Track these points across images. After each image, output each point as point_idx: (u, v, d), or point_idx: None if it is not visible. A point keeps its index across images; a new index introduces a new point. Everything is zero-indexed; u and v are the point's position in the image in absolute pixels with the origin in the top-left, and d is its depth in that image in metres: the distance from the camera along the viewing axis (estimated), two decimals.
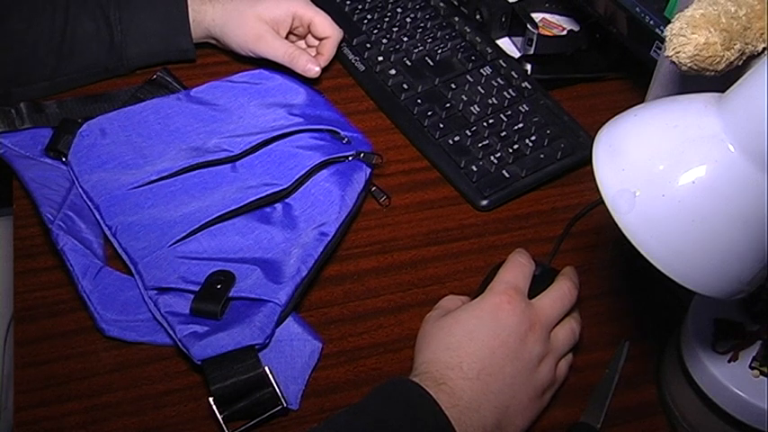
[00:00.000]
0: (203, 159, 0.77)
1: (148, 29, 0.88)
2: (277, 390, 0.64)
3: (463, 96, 0.87)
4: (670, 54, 0.53)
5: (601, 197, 0.49)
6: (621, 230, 0.48)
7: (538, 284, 0.65)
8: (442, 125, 0.84)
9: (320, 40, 0.91)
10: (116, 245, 0.73)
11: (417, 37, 0.93)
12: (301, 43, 0.94)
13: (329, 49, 0.90)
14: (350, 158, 0.77)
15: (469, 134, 0.83)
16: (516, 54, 0.95)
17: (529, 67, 0.91)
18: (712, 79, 0.53)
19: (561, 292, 0.64)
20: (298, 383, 0.66)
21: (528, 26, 0.93)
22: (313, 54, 0.91)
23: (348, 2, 0.99)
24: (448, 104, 0.86)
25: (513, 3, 0.96)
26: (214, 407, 0.62)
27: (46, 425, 0.64)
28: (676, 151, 0.47)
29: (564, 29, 0.97)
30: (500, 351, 0.60)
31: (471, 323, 0.61)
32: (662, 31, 0.76)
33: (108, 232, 0.73)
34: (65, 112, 0.83)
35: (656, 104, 0.51)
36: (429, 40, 0.93)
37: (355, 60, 0.92)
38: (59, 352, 0.68)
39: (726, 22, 0.52)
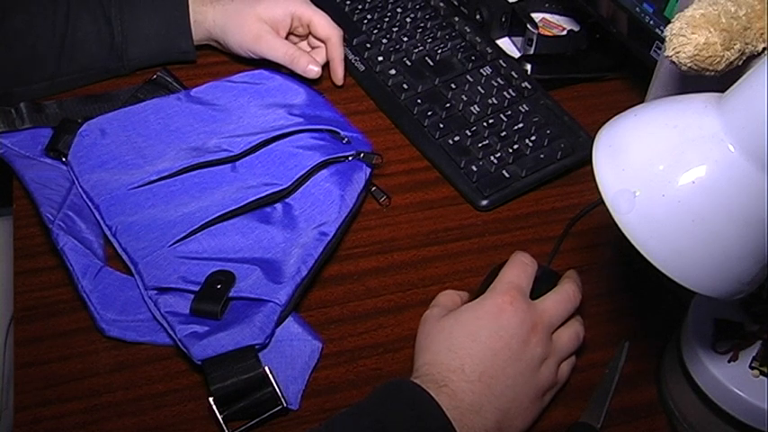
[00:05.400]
0: (203, 159, 0.77)
1: (149, 30, 0.88)
2: (277, 390, 0.64)
3: (463, 96, 0.87)
4: (670, 54, 0.53)
5: (601, 197, 0.49)
6: (621, 230, 0.48)
7: (538, 286, 0.65)
8: (442, 125, 0.84)
9: (320, 40, 0.91)
10: (116, 245, 0.73)
11: (417, 37, 0.93)
12: (303, 45, 0.94)
13: (337, 51, 0.90)
14: (350, 158, 0.77)
15: (469, 134, 0.83)
16: (516, 54, 0.95)
17: (529, 67, 0.91)
18: (712, 79, 0.53)
19: (566, 294, 0.64)
20: (298, 383, 0.66)
21: (528, 26, 0.93)
22: (316, 56, 0.91)
23: (348, 2, 0.99)
24: (448, 104, 0.86)
25: (513, 3, 0.96)
26: (214, 407, 0.63)
27: (46, 425, 0.64)
28: (676, 151, 0.47)
29: (564, 29, 0.97)
30: (502, 353, 0.60)
31: (473, 324, 0.61)
32: (662, 31, 0.76)
33: (108, 232, 0.73)
34: (65, 112, 0.83)
35: (656, 104, 0.51)
36: (429, 40, 0.93)
37: (355, 60, 0.92)
38: (59, 352, 0.68)
39: (726, 22, 0.52)
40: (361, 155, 0.78)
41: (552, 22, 0.99)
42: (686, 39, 0.51)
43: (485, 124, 0.84)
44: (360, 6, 0.98)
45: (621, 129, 0.51)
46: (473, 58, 0.91)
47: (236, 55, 0.91)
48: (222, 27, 0.89)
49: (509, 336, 0.60)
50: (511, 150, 0.82)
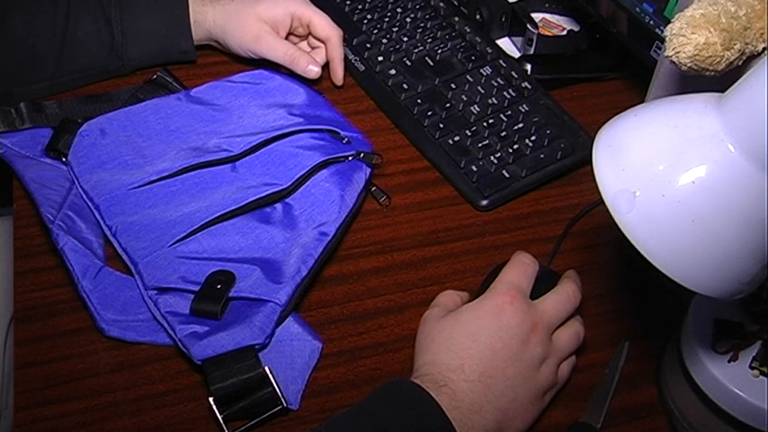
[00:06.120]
0: (203, 159, 0.77)
1: (149, 30, 0.88)
2: (277, 390, 0.64)
3: (463, 96, 0.87)
4: (670, 54, 0.53)
5: (601, 197, 0.49)
6: (621, 230, 0.48)
7: (538, 286, 0.65)
8: (442, 125, 0.84)
9: (320, 40, 0.91)
10: (116, 245, 0.73)
11: (417, 37, 0.93)
12: (303, 45, 0.94)
13: (337, 51, 0.90)
14: (350, 158, 0.77)
15: (469, 134, 0.83)
16: (516, 54, 0.95)
17: (529, 67, 0.91)
18: (712, 79, 0.53)
19: (566, 294, 0.64)
20: (298, 383, 0.66)
21: (528, 26, 0.93)
22: (316, 56, 0.91)
23: (348, 2, 0.99)
24: (448, 104, 0.86)
25: (513, 3, 0.96)
26: (214, 407, 0.63)
27: (46, 425, 0.64)
28: (676, 151, 0.47)
29: (564, 29, 0.97)
30: (502, 353, 0.60)
31: (473, 324, 0.61)
32: (662, 31, 0.76)
33: (108, 232, 0.73)
34: (65, 112, 0.83)
35: (656, 104, 0.51)
36: (429, 40, 0.93)
37: (355, 60, 0.92)
38: (59, 352, 0.68)
39: (726, 22, 0.52)
40: (361, 155, 0.78)
41: (552, 22, 0.99)
42: (686, 39, 0.51)
43: (485, 124, 0.84)
44: (360, 6, 0.98)
45: (621, 129, 0.51)
46: (473, 58, 0.91)
47: (236, 55, 0.91)
48: (222, 27, 0.89)
49: (509, 336, 0.60)
50: (511, 150, 0.82)
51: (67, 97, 0.86)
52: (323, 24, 0.90)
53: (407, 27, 0.95)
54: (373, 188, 0.80)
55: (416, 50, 0.92)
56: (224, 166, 0.77)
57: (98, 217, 0.75)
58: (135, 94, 0.85)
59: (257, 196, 0.74)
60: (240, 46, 0.89)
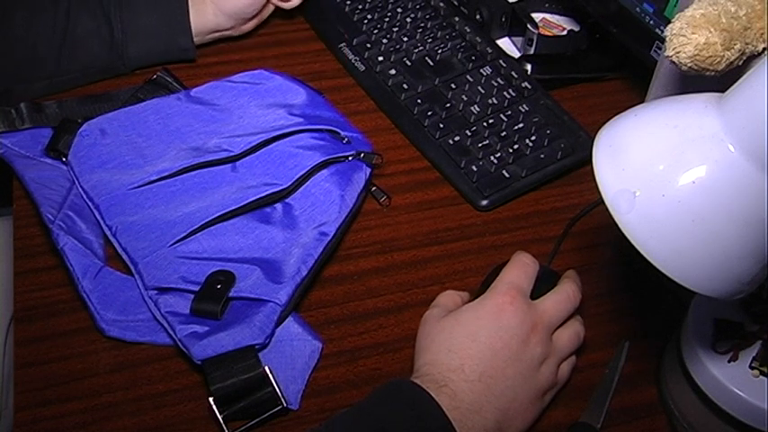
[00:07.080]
0: (203, 159, 0.77)
1: (149, 28, 0.89)
2: (277, 390, 0.64)
3: (463, 96, 0.87)
4: (670, 54, 0.53)
5: (601, 197, 0.49)
6: (621, 230, 0.48)
7: (538, 286, 0.65)
8: (442, 125, 0.84)
9: None
10: (116, 245, 0.73)
11: (417, 37, 0.93)
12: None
13: None
14: (350, 158, 0.77)
15: (469, 134, 0.83)
16: (516, 54, 0.95)
17: (529, 67, 0.91)
18: (712, 79, 0.53)
19: (565, 294, 0.64)
20: (298, 383, 0.66)
21: (528, 26, 0.93)
22: None
23: (348, 2, 0.99)
24: (448, 104, 0.86)
25: (513, 3, 0.96)
26: (214, 407, 0.63)
27: (46, 425, 0.64)
28: (676, 151, 0.47)
29: (564, 29, 0.97)
30: (502, 353, 0.60)
31: (473, 324, 0.61)
32: (662, 31, 0.76)
33: (108, 232, 0.73)
34: (65, 112, 0.83)
35: (656, 104, 0.51)
36: (429, 40, 0.93)
37: (355, 60, 0.92)
38: (59, 352, 0.68)
39: (726, 22, 0.52)
40: (362, 155, 0.78)
41: (552, 22, 0.99)
42: (686, 39, 0.51)
43: (485, 124, 0.84)
44: (360, 6, 0.98)
45: (621, 129, 0.51)
46: (473, 58, 0.91)
47: (236, 55, 0.91)
48: (221, 4, 0.90)
49: (509, 336, 0.60)
50: (511, 150, 0.82)
51: (67, 97, 0.86)
52: None
53: (407, 27, 0.95)
54: (373, 188, 0.80)
55: (416, 50, 0.92)
56: (224, 166, 0.77)
57: (98, 217, 0.75)
58: (135, 94, 0.85)
59: (257, 196, 0.74)
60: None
